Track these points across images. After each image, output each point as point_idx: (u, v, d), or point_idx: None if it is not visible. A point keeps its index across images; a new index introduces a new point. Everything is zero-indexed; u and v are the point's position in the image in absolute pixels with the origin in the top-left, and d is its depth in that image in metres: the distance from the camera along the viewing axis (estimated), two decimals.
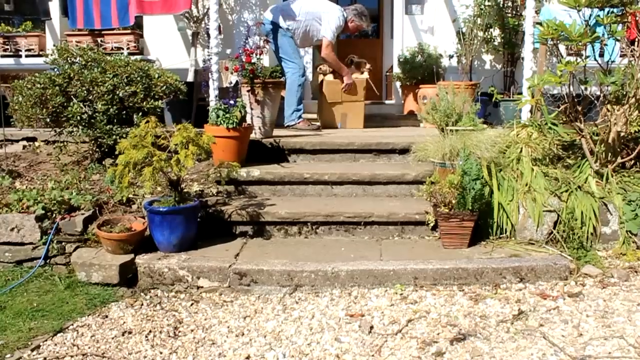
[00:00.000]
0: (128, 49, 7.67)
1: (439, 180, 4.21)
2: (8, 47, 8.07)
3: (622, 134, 4.41)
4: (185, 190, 4.31)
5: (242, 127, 4.90)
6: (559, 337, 3.02)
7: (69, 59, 5.33)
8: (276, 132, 5.71)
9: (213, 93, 5.49)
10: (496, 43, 7.66)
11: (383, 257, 3.89)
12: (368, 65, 6.78)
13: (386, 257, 3.89)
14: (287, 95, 5.98)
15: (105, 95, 5.03)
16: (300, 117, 6.23)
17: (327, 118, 6.50)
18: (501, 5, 7.51)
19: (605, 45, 4.54)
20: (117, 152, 3.97)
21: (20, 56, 8.05)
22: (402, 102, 7.90)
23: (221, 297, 3.67)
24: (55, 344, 3.06)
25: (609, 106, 4.48)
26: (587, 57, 4.31)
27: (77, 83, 5.09)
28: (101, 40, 7.67)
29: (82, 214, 4.20)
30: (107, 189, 4.61)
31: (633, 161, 4.55)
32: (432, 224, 4.22)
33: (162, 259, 3.87)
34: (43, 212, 4.16)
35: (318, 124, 6.32)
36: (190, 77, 7.27)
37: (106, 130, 5.05)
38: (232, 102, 5.00)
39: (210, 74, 5.57)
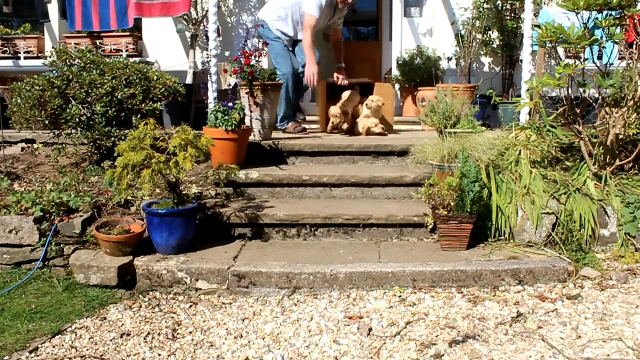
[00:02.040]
0: (127, 50, 7.68)
1: (437, 183, 4.21)
2: (7, 48, 8.08)
3: (620, 136, 4.42)
4: (183, 192, 4.31)
5: (241, 129, 4.90)
6: (557, 339, 3.02)
7: (67, 60, 5.33)
8: (275, 134, 5.71)
9: (212, 95, 5.50)
10: (495, 45, 7.68)
11: (382, 259, 3.89)
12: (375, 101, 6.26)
13: (385, 259, 3.89)
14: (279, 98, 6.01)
15: (104, 97, 5.03)
16: (288, 120, 6.22)
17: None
18: (500, 8, 7.53)
19: (604, 47, 4.55)
20: (115, 154, 3.98)
21: (19, 58, 8.06)
22: (401, 104, 7.91)
23: (220, 299, 3.67)
24: (54, 346, 3.05)
25: (607, 109, 4.49)
26: (585, 59, 4.32)
27: (75, 85, 5.09)
28: (100, 42, 7.67)
29: (81, 215, 4.20)
30: (105, 191, 4.61)
31: (631, 163, 4.56)
32: (430, 226, 4.22)
33: (160, 261, 3.87)
34: (41, 213, 4.16)
35: (304, 126, 6.27)
36: (189, 79, 7.28)
37: (105, 132, 5.05)
38: (230, 104, 5.00)
39: (209, 76, 5.58)
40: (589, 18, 4.26)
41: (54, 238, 4.07)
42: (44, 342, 3.08)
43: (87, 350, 3.01)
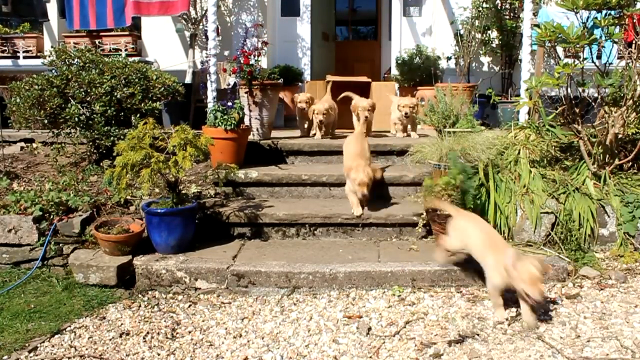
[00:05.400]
0: (126, 50, 7.67)
1: (434, 182, 4.20)
2: (6, 48, 8.07)
3: (619, 135, 4.42)
4: (183, 191, 4.31)
5: (240, 128, 4.90)
6: (556, 338, 3.02)
7: (66, 60, 5.33)
8: (274, 133, 5.71)
9: (211, 95, 5.50)
10: (494, 45, 7.67)
11: (381, 259, 3.89)
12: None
13: (384, 258, 3.89)
14: None
15: (103, 97, 5.03)
16: None
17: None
18: (499, 8, 7.53)
19: (603, 47, 4.55)
20: (115, 154, 3.97)
21: (18, 57, 8.05)
22: None
23: (219, 298, 3.66)
24: (53, 346, 3.05)
25: (606, 108, 4.49)
26: (584, 59, 4.31)
27: (75, 84, 5.09)
28: (99, 42, 7.67)
29: (80, 215, 4.20)
30: (105, 191, 4.60)
31: (630, 163, 4.56)
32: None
33: (159, 261, 3.86)
34: (41, 213, 4.16)
35: None
36: (188, 79, 7.28)
37: (104, 132, 5.05)
38: (230, 103, 5.01)
39: (208, 75, 5.58)
40: (588, 17, 4.27)
41: (53, 237, 4.07)
42: (43, 342, 3.08)
43: (87, 349, 3.01)
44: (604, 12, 4.22)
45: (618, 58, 4.98)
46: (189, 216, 4.06)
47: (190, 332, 3.21)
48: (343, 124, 6.15)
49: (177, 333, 3.20)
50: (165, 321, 3.34)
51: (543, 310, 3.35)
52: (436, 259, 3.73)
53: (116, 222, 4.09)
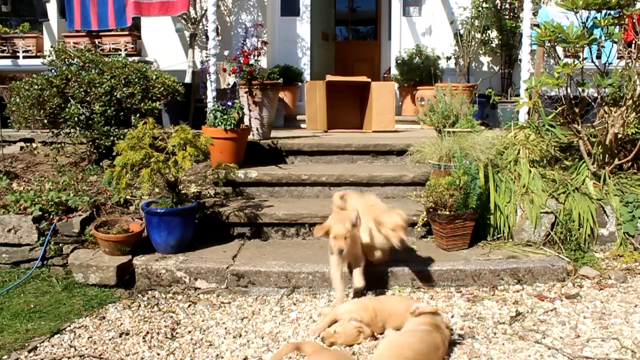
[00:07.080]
0: (126, 50, 7.68)
1: (437, 182, 4.20)
2: (5, 48, 8.08)
3: (619, 135, 4.42)
4: (182, 191, 4.31)
5: (240, 128, 4.90)
6: (556, 338, 3.02)
7: (66, 60, 5.33)
8: (274, 133, 5.71)
9: (211, 94, 5.50)
10: (494, 45, 7.68)
11: None
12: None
13: None
14: None
15: (103, 97, 5.03)
16: None
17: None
18: (499, 7, 7.53)
19: (603, 47, 4.55)
20: (114, 154, 3.97)
21: (17, 57, 8.06)
22: (400, 103, 7.92)
23: (219, 298, 3.66)
24: (53, 345, 3.05)
25: (606, 108, 4.50)
26: (584, 59, 4.32)
27: (74, 84, 5.09)
28: (99, 42, 7.67)
29: (80, 215, 4.20)
30: (104, 190, 4.60)
31: (630, 163, 4.57)
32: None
33: (159, 260, 3.86)
34: (40, 213, 4.16)
35: None
36: (188, 79, 7.28)
37: (104, 132, 5.05)
38: (229, 103, 5.01)
39: (208, 75, 5.58)
40: (587, 17, 4.27)
41: (52, 237, 4.06)
42: (43, 342, 3.08)
43: (86, 349, 3.01)
44: (603, 12, 4.22)
45: (618, 58, 4.98)
46: (188, 216, 4.06)
47: (190, 332, 3.21)
48: (344, 123, 6.18)
49: (176, 333, 3.20)
50: (165, 321, 3.34)
51: (543, 310, 3.35)
52: None
53: (116, 222, 4.09)
